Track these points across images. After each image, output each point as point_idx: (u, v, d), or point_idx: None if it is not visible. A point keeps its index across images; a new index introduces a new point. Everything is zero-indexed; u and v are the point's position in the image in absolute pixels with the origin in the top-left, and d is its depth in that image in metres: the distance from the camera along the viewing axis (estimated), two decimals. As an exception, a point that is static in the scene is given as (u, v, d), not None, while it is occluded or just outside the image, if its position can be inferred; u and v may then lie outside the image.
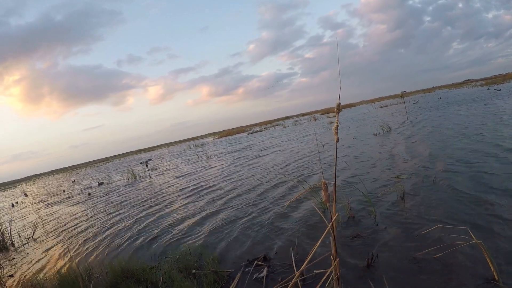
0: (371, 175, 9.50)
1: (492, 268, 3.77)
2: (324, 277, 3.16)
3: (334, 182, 3.04)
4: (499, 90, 41.94)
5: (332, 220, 3.07)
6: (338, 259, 3.09)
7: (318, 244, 3.22)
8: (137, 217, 11.41)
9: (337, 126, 2.78)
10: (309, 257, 3.19)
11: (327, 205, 3.12)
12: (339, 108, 2.83)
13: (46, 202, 24.84)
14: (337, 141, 2.80)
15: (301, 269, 3.22)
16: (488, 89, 49.81)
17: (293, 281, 3.20)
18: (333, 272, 3.08)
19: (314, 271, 3.88)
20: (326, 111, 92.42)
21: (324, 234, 3.10)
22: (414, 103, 46.17)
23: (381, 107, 56.98)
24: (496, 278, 3.69)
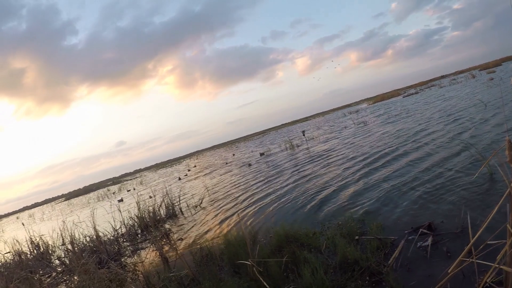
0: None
1: None
2: (502, 251, 3.05)
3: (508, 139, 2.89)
4: None
5: None
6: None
7: (495, 210, 3.09)
8: (298, 184, 11.71)
9: None
10: (485, 224, 3.11)
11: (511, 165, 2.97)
12: None
13: (209, 174, 26.24)
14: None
15: (475, 237, 3.13)
16: None
17: (465, 250, 3.16)
18: (510, 243, 2.93)
19: (488, 242, 3.77)
20: (484, 67, 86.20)
21: (503, 198, 2.98)
22: None
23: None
24: None
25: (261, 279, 4.82)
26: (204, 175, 28.05)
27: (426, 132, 14.63)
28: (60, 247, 11.15)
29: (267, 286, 4.64)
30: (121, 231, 12.00)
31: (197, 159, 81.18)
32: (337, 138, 24.27)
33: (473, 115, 15.25)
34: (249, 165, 23.18)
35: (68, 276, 8.75)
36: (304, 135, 26.87)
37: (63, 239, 11.81)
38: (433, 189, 7.25)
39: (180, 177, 32.56)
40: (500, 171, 6.08)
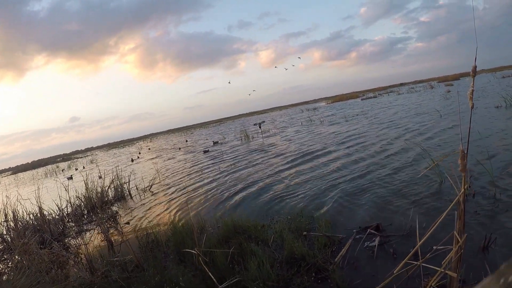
0: (495, 151, 8.93)
1: None
2: (447, 257, 3.10)
3: (466, 151, 2.96)
4: None
5: (463, 189, 3.01)
6: (466, 235, 3.01)
7: (443, 216, 3.13)
8: (250, 176, 11.75)
9: (472, 91, 2.68)
10: (431, 229, 3.14)
11: (463, 174, 3.03)
12: (475, 71, 2.73)
13: (161, 158, 26.10)
14: (472, 107, 2.71)
15: (422, 240, 3.17)
16: None
17: (412, 252, 3.19)
18: (456, 249, 2.99)
19: (434, 247, 3.81)
20: (443, 79, 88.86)
21: (452, 204, 3.03)
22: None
23: (503, 77, 53.85)
24: None
25: (206, 269, 4.77)
26: (156, 158, 27.97)
27: (377, 135, 15.19)
28: (2, 224, 10.85)
29: (212, 276, 4.61)
30: (67, 211, 11.70)
31: (151, 142, 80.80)
32: (291, 133, 24.70)
33: (427, 123, 15.84)
34: (204, 152, 23.14)
35: (8, 255, 8.50)
36: (260, 127, 26.97)
37: (6, 216, 11.52)
38: (384, 192, 7.34)
39: (133, 158, 32.23)
40: (449, 179, 6.19)
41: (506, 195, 5.88)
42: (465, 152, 2.91)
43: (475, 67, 2.73)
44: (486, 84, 39.32)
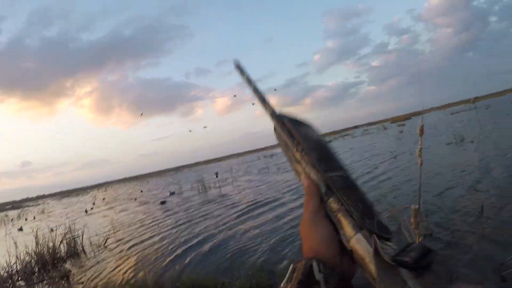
0: (447, 189, 9.14)
1: None
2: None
3: (418, 207, 2.92)
4: None
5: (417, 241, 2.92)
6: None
7: None
8: (209, 228, 11.51)
9: (421, 149, 2.65)
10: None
11: (416, 232, 2.98)
12: (422, 130, 2.70)
13: (118, 210, 25.53)
14: (421, 164, 2.68)
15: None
16: None
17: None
18: None
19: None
20: (396, 119, 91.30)
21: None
22: (486, 108, 44.65)
23: (452, 113, 55.49)
24: None
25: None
26: (112, 209, 27.33)
27: None
28: None
29: None
30: (16, 267, 11.17)
31: (105, 191, 79.34)
32: (248, 181, 24.59)
33: (379, 166, 16.23)
34: (161, 203, 22.71)
35: None
36: (217, 176, 26.78)
37: None
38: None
39: (87, 209, 31.44)
40: (404, 232, 6.17)
41: (458, 232, 6.00)
42: (418, 207, 2.90)
43: (422, 126, 2.76)
44: (437, 121, 40.38)
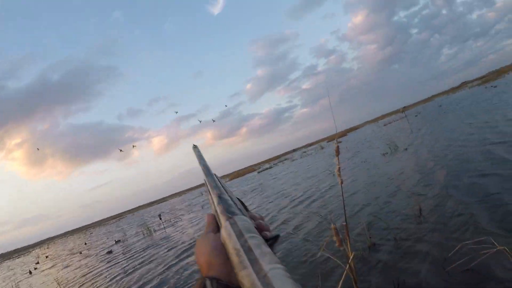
0: (386, 198, 9.34)
1: None
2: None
3: (345, 223, 2.94)
4: (495, 86, 44.28)
5: (349, 261, 2.96)
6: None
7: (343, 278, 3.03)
8: (152, 273, 11.27)
9: (339, 168, 2.70)
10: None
11: (341, 248, 3.00)
12: (338, 151, 2.75)
13: (62, 266, 24.74)
14: (341, 183, 2.74)
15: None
16: (486, 87, 51.22)
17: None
18: None
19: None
20: (332, 138, 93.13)
21: (343, 278, 2.93)
22: (416, 116, 46.22)
23: (385, 125, 57.13)
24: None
25: None
26: (56, 266, 26.45)
27: (273, 209, 15.09)
28: None
29: None
30: None
31: (48, 248, 76.79)
32: (189, 220, 24.51)
33: (315, 186, 16.39)
34: (108, 253, 22.14)
35: None
36: (160, 218, 26.47)
37: None
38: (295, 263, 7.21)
39: (30, 270, 30.27)
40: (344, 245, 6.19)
41: (401, 238, 6.10)
42: (345, 223, 2.94)
43: (338, 147, 2.82)
44: (371, 134, 41.35)
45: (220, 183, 1.26)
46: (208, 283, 0.79)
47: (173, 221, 27.18)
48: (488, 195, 6.57)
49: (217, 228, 0.98)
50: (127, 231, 36.42)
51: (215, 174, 1.31)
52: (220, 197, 1.05)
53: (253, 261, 0.69)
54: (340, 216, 9.19)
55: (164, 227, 24.38)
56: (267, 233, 0.93)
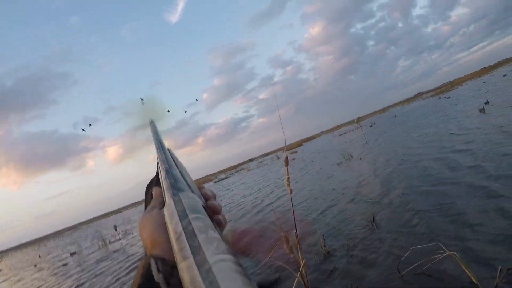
0: (341, 206, 9.56)
1: (468, 273, 3.93)
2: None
3: (295, 231, 3.04)
4: (449, 97, 46.02)
5: (300, 269, 3.03)
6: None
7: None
8: (109, 286, 11.18)
9: (288, 178, 2.75)
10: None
11: (292, 255, 3.08)
12: (287, 161, 2.80)
13: (14, 281, 24.15)
14: (291, 192, 2.79)
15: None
16: (439, 98, 52.59)
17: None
18: None
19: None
20: (288, 147, 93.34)
21: (295, 284, 3.02)
22: (370, 126, 46.94)
23: (340, 135, 57.84)
24: (475, 281, 3.85)
25: None
26: (7, 281, 25.79)
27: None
28: None
29: None
30: None
31: (0, 260, 74.81)
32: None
33: (276, 194, 16.34)
34: (63, 265, 21.70)
35: None
36: (116, 229, 26.13)
37: None
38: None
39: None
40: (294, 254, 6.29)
41: (355, 245, 6.24)
42: (296, 231, 3.03)
43: (287, 157, 2.87)
44: (327, 143, 41.80)
45: (173, 159, 1.15)
46: (152, 262, 0.71)
47: (128, 232, 26.90)
48: (439, 203, 6.78)
49: (164, 204, 0.87)
50: (82, 243, 35.80)
51: (169, 149, 1.23)
52: (167, 171, 0.97)
53: (196, 250, 0.59)
54: (292, 225, 9.31)
55: (120, 238, 24.09)
56: (220, 217, 0.86)
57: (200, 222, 0.66)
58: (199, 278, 0.51)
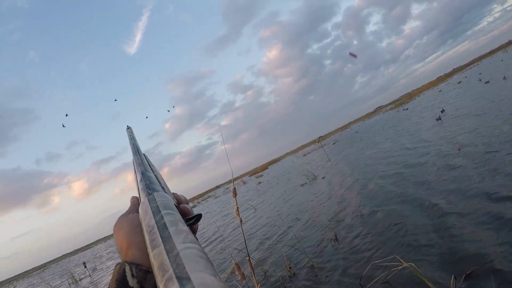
0: (304, 226, 9.76)
1: (426, 282, 4.13)
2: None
3: (248, 258, 3.12)
4: (407, 109, 47.82)
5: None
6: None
7: None
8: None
9: (237, 208, 2.85)
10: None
11: (244, 281, 3.14)
12: (235, 192, 2.90)
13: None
14: (241, 221, 2.89)
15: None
16: (398, 111, 54.21)
17: None
18: None
19: None
20: (253, 172, 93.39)
21: None
22: (333, 144, 47.41)
23: (304, 155, 58.23)
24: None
25: None
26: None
27: None
28: None
29: None
30: None
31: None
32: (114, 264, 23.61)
33: (245, 220, 16.29)
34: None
35: None
36: (85, 266, 25.70)
37: None
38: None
39: None
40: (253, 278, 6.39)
41: (319, 264, 6.43)
42: (248, 257, 3.06)
43: (234, 188, 2.95)
44: (291, 165, 42.00)
45: (149, 163, 1.23)
46: (127, 268, 0.73)
47: (98, 269, 26.52)
48: (396, 219, 7.08)
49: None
50: (52, 281, 35.06)
51: (144, 154, 1.30)
52: (143, 174, 1.05)
53: (166, 239, 0.64)
54: (254, 251, 9.43)
55: (90, 274, 23.74)
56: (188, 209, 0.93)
57: (172, 217, 0.72)
58: (167, 262, 0.57)
